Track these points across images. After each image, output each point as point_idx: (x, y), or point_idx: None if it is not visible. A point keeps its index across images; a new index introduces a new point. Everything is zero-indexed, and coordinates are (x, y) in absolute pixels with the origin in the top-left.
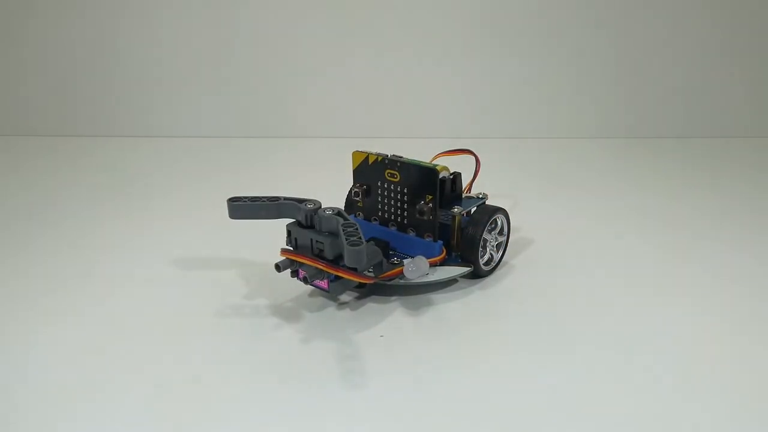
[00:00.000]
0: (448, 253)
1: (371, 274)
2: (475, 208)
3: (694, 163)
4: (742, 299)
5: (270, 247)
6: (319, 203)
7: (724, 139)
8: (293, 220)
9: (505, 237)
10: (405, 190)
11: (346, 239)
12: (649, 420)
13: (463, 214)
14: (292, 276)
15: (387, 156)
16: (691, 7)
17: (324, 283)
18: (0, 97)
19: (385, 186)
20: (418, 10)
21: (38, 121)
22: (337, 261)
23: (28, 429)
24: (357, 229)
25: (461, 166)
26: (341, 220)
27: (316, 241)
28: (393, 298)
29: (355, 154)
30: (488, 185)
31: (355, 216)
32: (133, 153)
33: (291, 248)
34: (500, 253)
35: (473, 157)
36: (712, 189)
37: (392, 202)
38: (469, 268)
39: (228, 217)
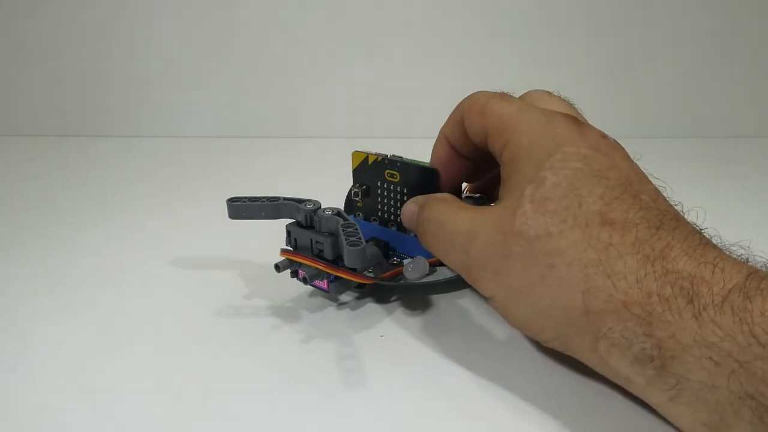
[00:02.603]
0: None
1: (371, 275)
2: None
3: (695, 162)
4: None
5: (270, 247)
6: (319, 203)
7: (724, 139)
8: (293, 220)
9: None
10: (405, 191)
11: (346, 239)
12: (648, 418)
13: None
14: (292, 276)
15: (387, 156)
16: (691, 7)
17: (324, 284)
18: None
19: (385, 186)
20: (419, 10)
21: (36, 121)
22: (337, 261)
23: (25, 429)
24: (357, 229)
25: None
26: (341, 221)
27: (316, 242)
28: (393, 298)
29: (355, 154)
30: None
31: (355, 216)
32: (132, 153)
33: (291, 248)
34: None
35: None
36: (713, 189)
37: (392, 203)
38: None
39: (227, 218)
